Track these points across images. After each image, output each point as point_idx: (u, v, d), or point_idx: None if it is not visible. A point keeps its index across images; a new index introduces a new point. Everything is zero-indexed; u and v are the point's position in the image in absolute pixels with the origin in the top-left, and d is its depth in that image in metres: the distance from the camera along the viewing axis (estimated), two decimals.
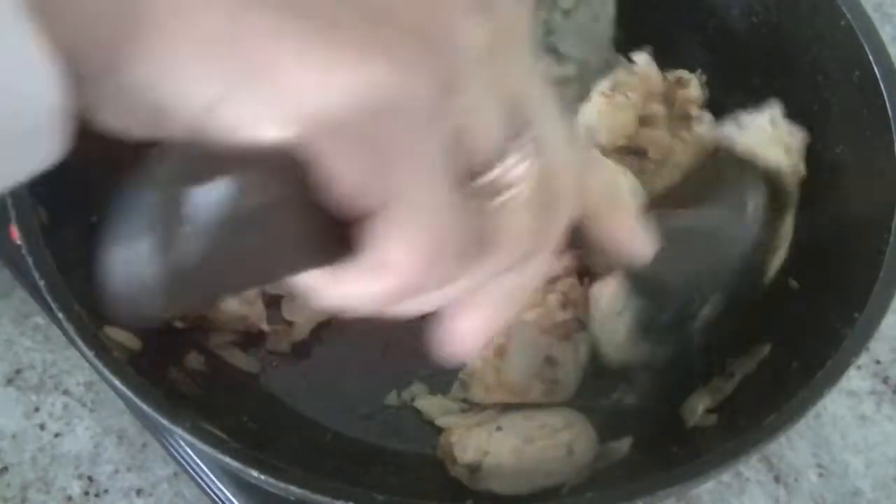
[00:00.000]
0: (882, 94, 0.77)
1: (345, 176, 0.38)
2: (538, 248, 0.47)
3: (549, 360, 0.76)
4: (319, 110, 0.35)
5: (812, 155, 0.82)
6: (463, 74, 0.40)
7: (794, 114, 0.84)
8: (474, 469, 0.70)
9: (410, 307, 0.45)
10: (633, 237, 0.55)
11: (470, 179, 0.43)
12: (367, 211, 0.40)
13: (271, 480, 0.60)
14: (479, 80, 0.41)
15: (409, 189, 0.39)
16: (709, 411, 0.75)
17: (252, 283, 0.55)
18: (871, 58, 0.78)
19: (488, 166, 0.43)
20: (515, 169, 0.43)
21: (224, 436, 0.63)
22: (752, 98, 0.89)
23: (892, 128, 0.76)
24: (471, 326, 0.48)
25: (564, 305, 0.78)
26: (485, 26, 0.41)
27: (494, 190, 0.43)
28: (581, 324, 0.78)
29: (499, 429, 0.72)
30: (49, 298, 0.65)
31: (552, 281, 0.80)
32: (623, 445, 0.74)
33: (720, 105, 0.87)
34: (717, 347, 0.81)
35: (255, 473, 0.60)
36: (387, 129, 0.38)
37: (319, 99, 0.35)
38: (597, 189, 0.52)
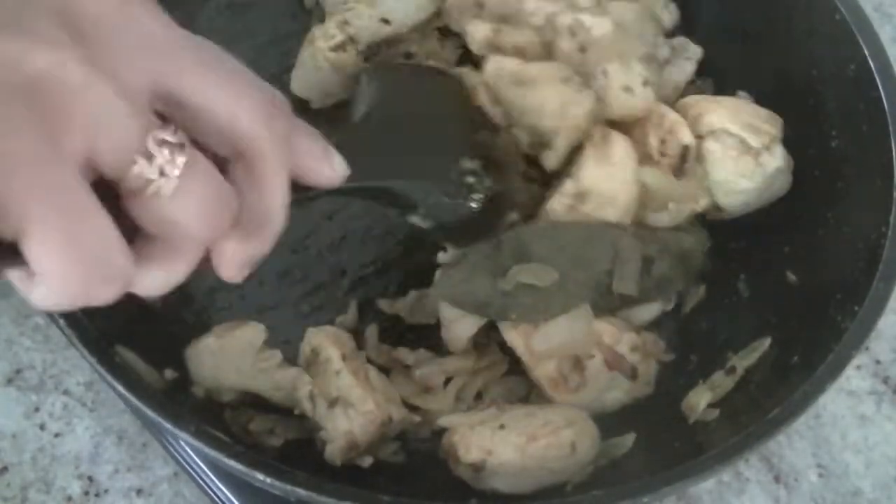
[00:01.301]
0: (878, 88, 0.77)
1: None
2: (232, 218, 0.47)
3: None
4: None
5: (809, 149, 0.82)
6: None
7: (790, 109, 0.84)
8: (478, 468, 0.70)
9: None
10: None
11: (120, 178, 0.44)
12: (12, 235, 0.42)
13: (277, 483, 0.60)
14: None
15: (39, 211, 0.41)
16: (711, 406, 0.75)
17: None
18: (865, 52, 0.78)
19: (126, 165, 0.44)
20: (157, 162, 0.44)
21: (227, 439, 0.63)
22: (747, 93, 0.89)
23: (889, 121, 0.76)
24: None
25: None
26: None
27: (144, 184, 0.44)
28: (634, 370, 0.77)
29: (501, 427, 0.72)
30: None
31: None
32: (626, 441, 0.74)
33: None
34: (718, 342, 0.81)
35: (260, 476, 0.60)
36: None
37: None
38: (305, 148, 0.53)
